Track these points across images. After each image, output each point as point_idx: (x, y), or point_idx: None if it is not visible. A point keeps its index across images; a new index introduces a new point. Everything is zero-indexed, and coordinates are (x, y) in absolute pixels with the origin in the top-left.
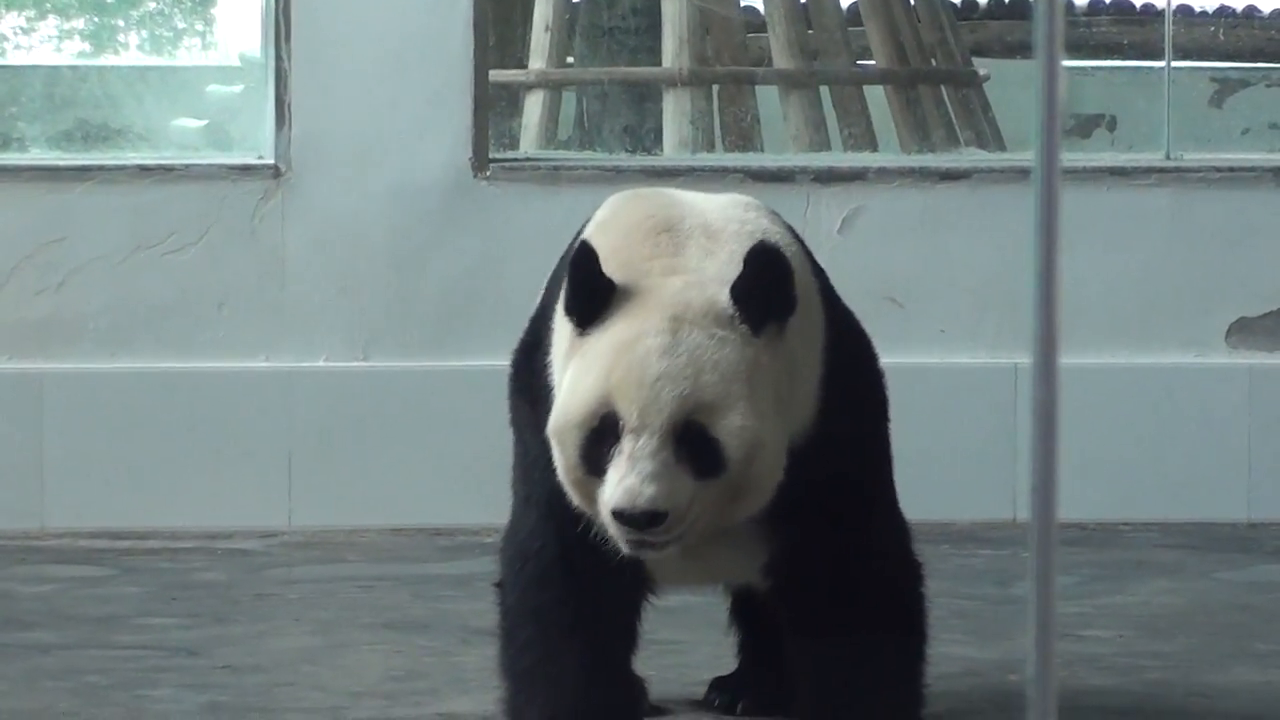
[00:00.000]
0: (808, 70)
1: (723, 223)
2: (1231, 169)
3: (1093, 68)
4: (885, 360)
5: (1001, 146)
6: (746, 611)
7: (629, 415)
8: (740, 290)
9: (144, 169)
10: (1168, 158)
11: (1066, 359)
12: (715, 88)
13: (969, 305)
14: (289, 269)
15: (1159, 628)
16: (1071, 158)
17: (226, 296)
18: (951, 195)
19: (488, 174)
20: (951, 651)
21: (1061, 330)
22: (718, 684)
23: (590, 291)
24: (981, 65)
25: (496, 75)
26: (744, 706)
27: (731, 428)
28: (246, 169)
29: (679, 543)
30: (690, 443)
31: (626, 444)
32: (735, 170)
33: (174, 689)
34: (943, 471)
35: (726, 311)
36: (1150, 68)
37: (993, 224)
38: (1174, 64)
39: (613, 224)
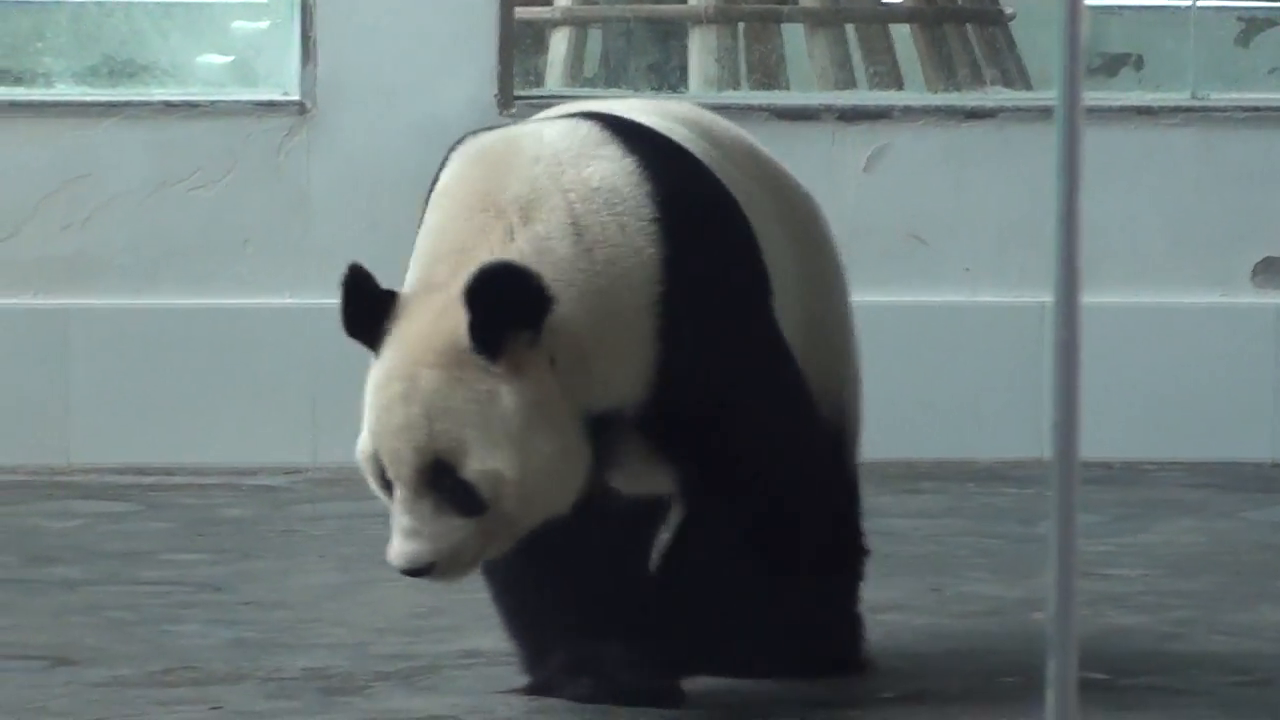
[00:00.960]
0: (833, 8)
1: (549, 185)
2: (1257, 108)
3: (1118, 6)
4: (909, 298)
5: (1027, 85)
6: None
7: (387, 465)
8: (471, 321)
9: (169, 105)
10: (1193, 97)
11: (1091, 298)
12: (741, 25)
13: (995, 244)
14: (314, 205)
15: (1184, 567)
16: (1096, 97)
17: (251, 233)
18: (977, 134)
19: (513, 111)
20: (976, 590)
21: (1085, 269)
22: None
23: (363, 313)
24: (1008, 3)
25: (522, 12)
26: None
27: (473, 471)
28: (272, 105)
29: (473, 567)
30: (449, 487)
31: (395, 492)
32: (760, 108)
33: (200, 624)
34: (968, 410)
35: (462, 344)
36: (1176, 6)
37: (1018, 163)
38: (1200, 3)
39: (446, 195)
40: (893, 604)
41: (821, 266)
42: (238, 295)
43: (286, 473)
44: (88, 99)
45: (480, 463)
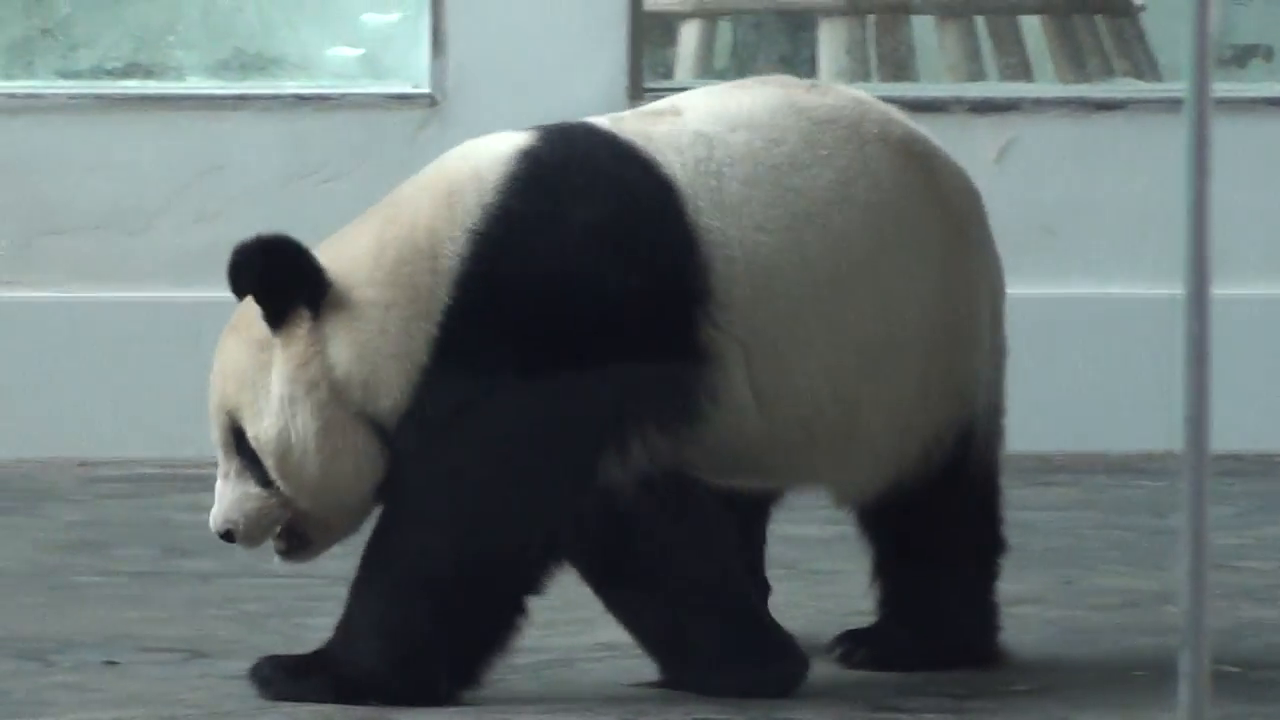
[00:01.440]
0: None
1: (423, 185)
2: None
3: None
4: (1037, 290)
5: (1157, 77)
6: (888, 564)
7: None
8: (257, 287)
9: (300, 98)
10: None
11: (1221, 290)
12: (871, 17)
13: (1125, 236)
14: None
15: None
16: (1226, 88)
17: None
18: (1107, 126)
19: (643, 102)
20: (1109, 582)
21: (1215, 261)
22: (846, 636)
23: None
24: None
25: (652, 4)
26: (863, 656)
27: (254, 435)
28: (402, 98)
29: (313, 545)
30: (247, 453)
31: None
32: (890, 100)
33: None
34: (1100, 402)
35: (259, 313)
36: None
37: (1149, 154)
38: None
39: None
40: (1026, 597)
41: (952, 263)
42: None
43: None
44: (219, 92)
45: (253, 427)
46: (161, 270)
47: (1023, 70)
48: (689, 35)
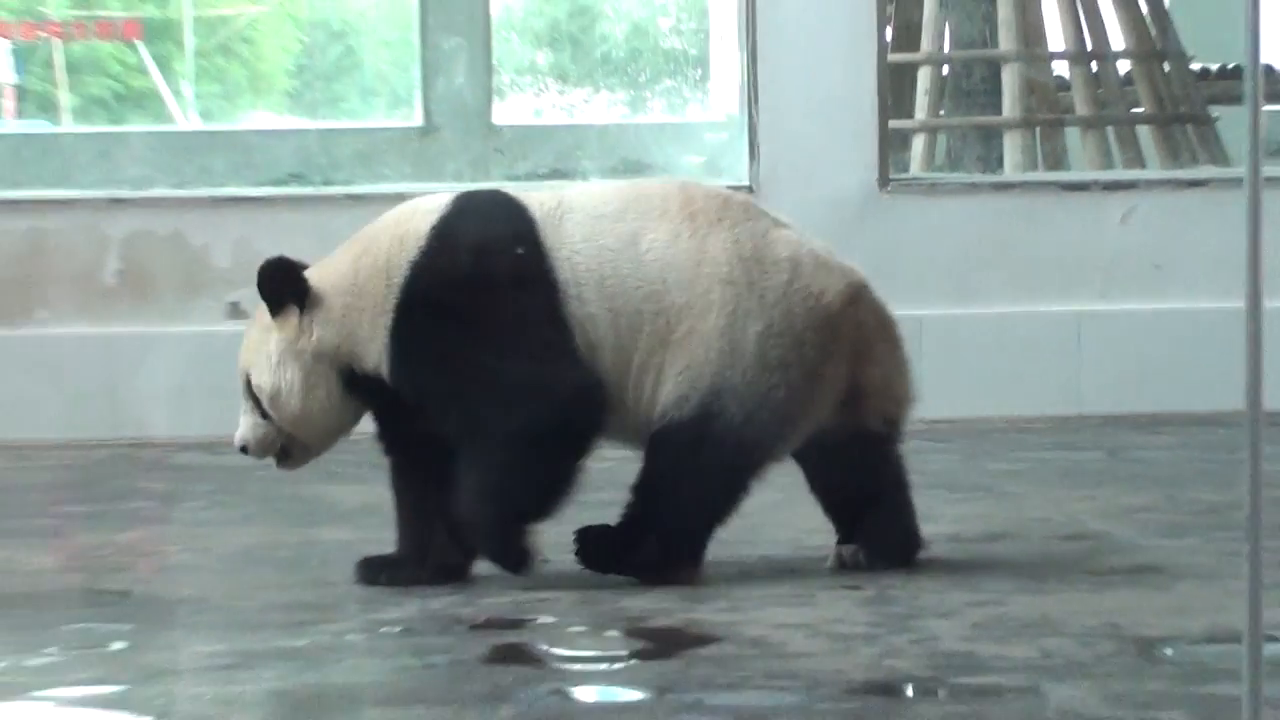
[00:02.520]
0: (1098, 115)
1: (389, 228)
2: None
3: None
4: (1149, 306)
5: (1227, 163)
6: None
7: None
8: (262, 290)
9: None
10: None
11: (1270, 303)
12: (1037, 129)
13: (1209, 268)
14: None
15: None
16: (1273, 171)
17: None
18: (1195, 197)
19: (889, 189)
20: (1199, 496)
21: (1266, 283)
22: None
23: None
24: (1215, 110)
25: (895, 124)
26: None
27: (257, 384)
28: (734, 188)
29: (296, 459)
30: (253, 397)
31: None
32: (1050, 184)
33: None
34: (1188, 376)
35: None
36: None
37: (1223, 216)
38: None
39: None
40: (1147, 506)
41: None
42: None
43: None
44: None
45: (256, 378)
46: None
47: (1138, 161)
48: (918, 143)
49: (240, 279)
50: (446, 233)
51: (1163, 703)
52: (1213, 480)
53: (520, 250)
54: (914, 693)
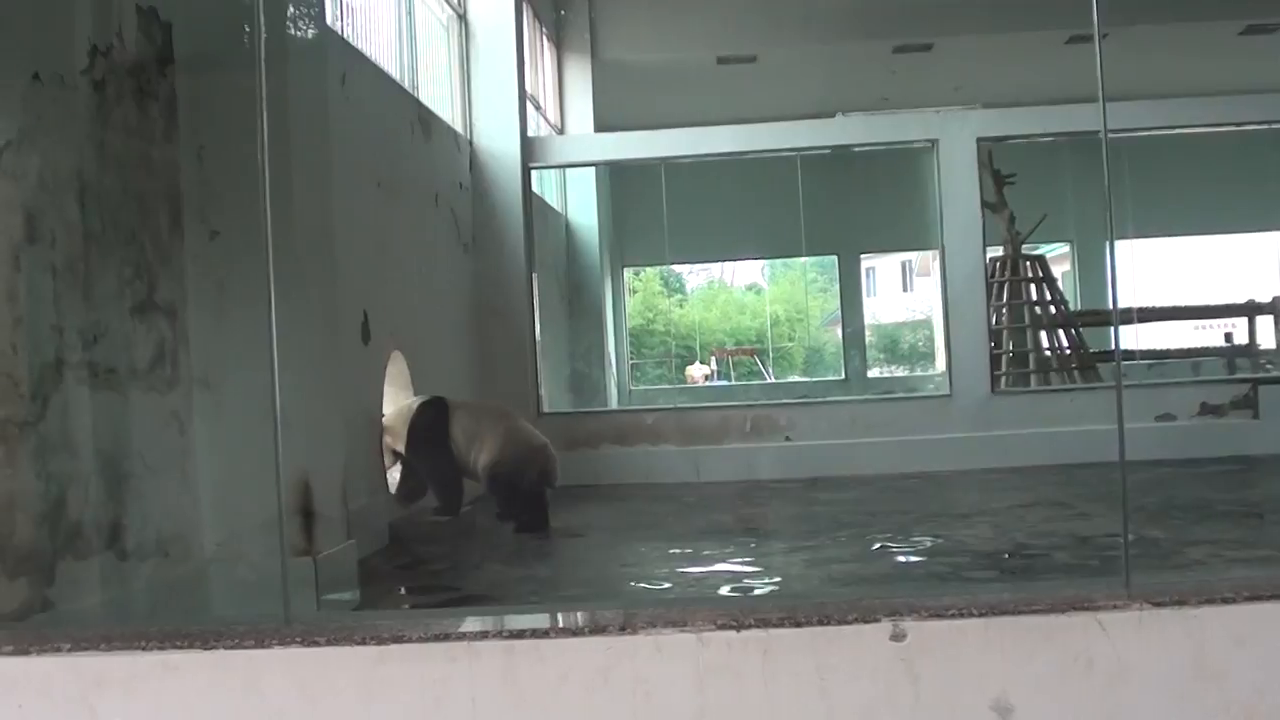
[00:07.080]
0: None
1: (398, 403)
2: None
3: None
4: None
5: None
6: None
7: None
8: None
9: None
10: None
11: None
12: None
13: None
14: None
15: None
16: None
17: None
18: None
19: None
20: None
21: None
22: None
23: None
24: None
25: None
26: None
27: (394, 449)
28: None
29: (411, 500)
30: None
31: None
32: None
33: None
34: None
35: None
36: None
37: None
38: None
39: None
40: None
41: (489, 429)
42: None
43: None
44: None
45: (394, 446)
46: None
47: None
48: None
49: None
50: (421, 413)
51: None
52: None
53: None
54: None
